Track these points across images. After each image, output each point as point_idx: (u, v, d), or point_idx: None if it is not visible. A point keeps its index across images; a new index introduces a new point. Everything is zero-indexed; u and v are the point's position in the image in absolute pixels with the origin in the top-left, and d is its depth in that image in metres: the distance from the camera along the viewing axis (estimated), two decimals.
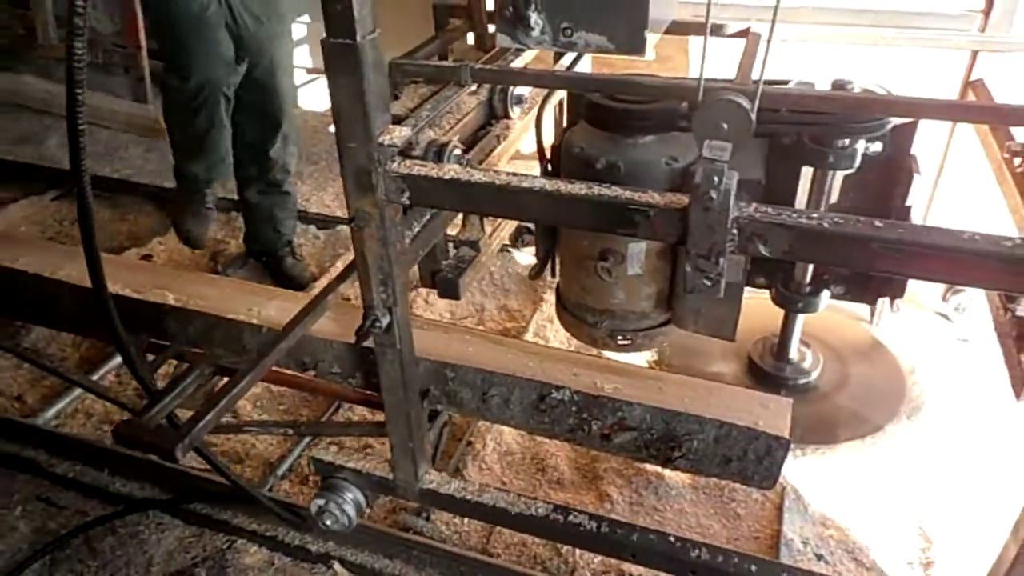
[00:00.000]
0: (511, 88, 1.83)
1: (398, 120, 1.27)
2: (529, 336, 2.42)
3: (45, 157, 3.89)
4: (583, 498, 1.92)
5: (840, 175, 1.65)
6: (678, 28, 1.63)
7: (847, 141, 1.55)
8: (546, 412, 1.63)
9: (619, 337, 1.72)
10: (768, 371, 2.04)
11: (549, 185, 1.13)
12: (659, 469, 1.93)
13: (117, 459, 1.97)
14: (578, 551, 1.78)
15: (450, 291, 1.73)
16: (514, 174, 1.18)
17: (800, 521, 1.84)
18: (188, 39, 2.34)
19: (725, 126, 0.99)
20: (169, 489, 1.93)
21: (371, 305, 1.36)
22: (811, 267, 1.81)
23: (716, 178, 1.00)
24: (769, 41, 1.06)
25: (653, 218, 1.07)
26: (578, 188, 1.11)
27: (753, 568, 1.53)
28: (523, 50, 1.42)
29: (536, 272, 1.84)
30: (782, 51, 1.87)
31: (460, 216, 1.80)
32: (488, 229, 1.86)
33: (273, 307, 1.76)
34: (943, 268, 0.97)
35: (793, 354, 2.04)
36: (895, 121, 1.57)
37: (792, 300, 1.83)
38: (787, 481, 1.91)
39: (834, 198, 1.70)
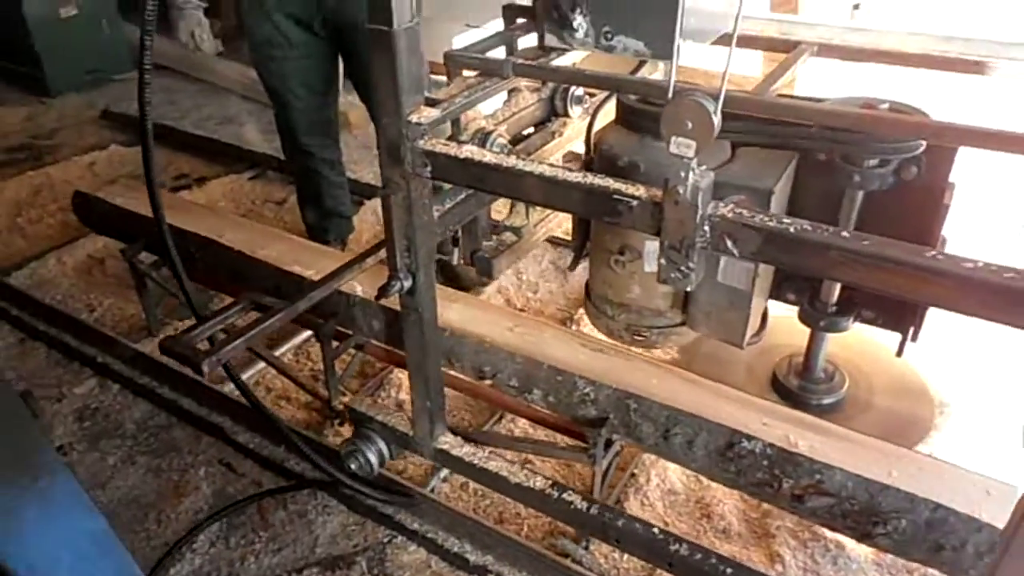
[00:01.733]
0: (572, 88, 1.93)
1: (434, 103, 1.37)
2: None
3: (244, 139, 4.19)
4: (751, 554, 1.80)
5: (860, 195, 1.58)
6: (740, 41, 1.60)
7: (875, 161, 1.48)
8: (733, 461, 1.54)
9: (635, 332, 1.80)
10: (792, 389, 1.98)
11: (548, 171, 1.23)
12: (840, 537, 1.77)
13: (292, 438, 2.05)
14: None
15: (485, 270, 1.87)
16: (521, 159, 1.28)
17: None
18: None
19: (690, 124, 1.03)
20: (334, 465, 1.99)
21: (395, 268, 1.47)
22: (839, 287, 1.75)
23: (683, 173, 1.05)
24: (731, 48, 1.08)
25: (635, 209, 1.14)
26: (572, 176, 1.21)
27: (728, 571, 1.47)
28: (568, 50, 1.49)
29: (573, 264, 1.94)
30: (870, 73, 1.77)
31: (509, 203, 1.91)
32: (535, 218, 1.96)
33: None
34: (901, 283, 0.98)
35: (818, 374, 1.97)
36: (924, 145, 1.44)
37: (817, 318, 1.78)
38: None
39: (856, 218, 1.62)
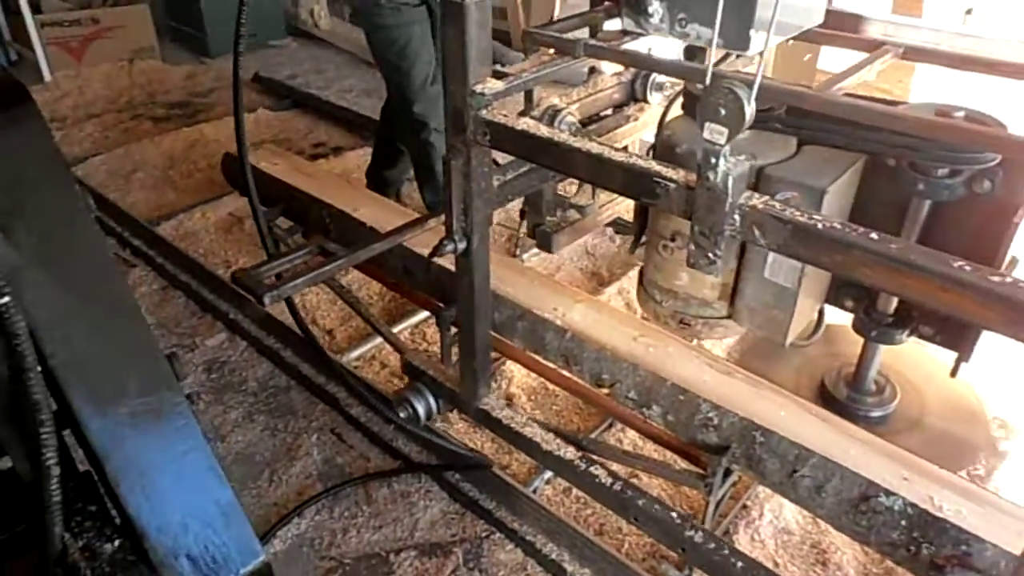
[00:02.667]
0: (653, 74, 1.92)
1: (501, 76, 1.44)
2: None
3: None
4: None
5: (927, 205, 1.49)
6: (818, 38, 1.67)
7: (944, 171, 1.40)
8: (866, 515, 1.42)
9: (681, 320, 1.79)
10: (840, 399, 1.89)
11: (595, 148, 1.25)
12: None
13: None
14: None
15: (545, 244, 1.92)
16: (572, 136, 1.34)
17: None
18: None
19: (723, 112, 1.03)
20: (440, 455, 2.00)
21: (451, 229, 1.53)
22: (896, 299, 1.65)
23: (713, 159, 1.07)
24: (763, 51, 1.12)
25: (671, 192, 1.16)
26: (617, 156, 1.23)
27: (739, 565, 1.47)
28: (644, 35, 1.52)
29: (632, 248, 1.93)
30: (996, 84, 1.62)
31: (577, 182, 1.94)
32: (601, 199, 1.99)
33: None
34: (922, 289, 0.98)
35: (868, 385, 1.87)
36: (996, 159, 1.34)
37: (871, 328, 1.69)
38: None
39: (921, 229, 1.53)
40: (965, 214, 1.49)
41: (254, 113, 4.19)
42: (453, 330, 2.09)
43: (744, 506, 1.88)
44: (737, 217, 1.10)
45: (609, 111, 1.93)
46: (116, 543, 0.90)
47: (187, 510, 0.92)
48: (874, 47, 1.61)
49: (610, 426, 2.12)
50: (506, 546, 1.81)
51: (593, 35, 1.69)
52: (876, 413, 1.88)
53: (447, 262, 2.09)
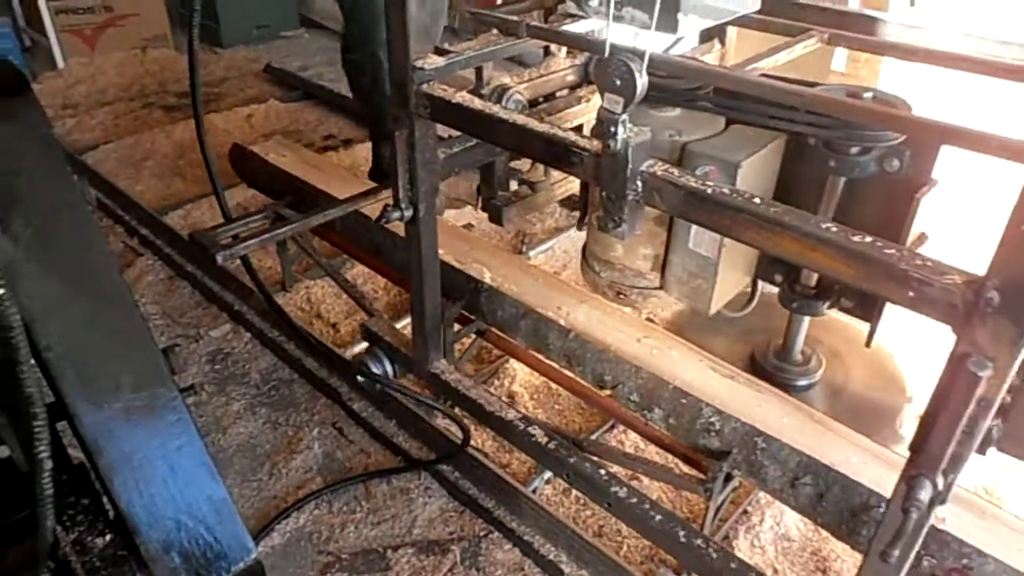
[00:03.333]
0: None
1: (443, 53, 1.52)
2: None
3: None
4: None
5: (841, 182, 1.58)
6: (755, 24, 1.74)
7: (856, 149, 1.49)
8: (867, 525, 1.40)
9: (617, 290, 1.88)
10: (767, 369, 1.98)
11: (519, 120, 1.36)
12: None
13: (403, 416, 2.07)
14: None
15: (495, 217, 1.95)
16: (503, 109, 1.46)
17: None
18: None
19: (618, 82, 1.12)
20: (438, 450, 1.99)
21: (398, 197, 1.62)
22: (817, 274, 1.73)
23: (612, 128, 1.16)
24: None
25: (585, 159, 1.25)
26: (539, 127, 1.33)
27: (657, 517, 1.55)
28: (585, 17, 1.59)
29: (579, 223, 2.03)
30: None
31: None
32: (554, 176, 2.02)
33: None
34: (795, 249, 1.07)
35: (795, 356, 1.97)
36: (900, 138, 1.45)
37: (794, 301, 1.79)
38: None
39: (836, 206, 1.61)
40: (876, 191, 1.56)
41: (264, 104, 4.18)
42: (457, 327, 2.09)
43: (745, 511, 1.87)
44: (639, 183, 1.20)
45: (566, 92, 1.98)
46: (107, 537, 0.90)
47: (180, 506, 0.91)
48: (799, 32, 1.69)
49: (612, 427, 2.11)
50: (504, 545, 1.80)
51: (546, 18, 1.77)
52: (802, 382, 1.97)
53: (451, 258, 2.10)
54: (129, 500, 0.88)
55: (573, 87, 1.99)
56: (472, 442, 1.93)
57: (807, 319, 1.87)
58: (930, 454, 1.02)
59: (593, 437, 2.02)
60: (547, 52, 1.98)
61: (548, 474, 1.96)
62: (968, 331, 0.93)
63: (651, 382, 1.67)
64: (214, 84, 4.58)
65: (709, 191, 1.13)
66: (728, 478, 1.61)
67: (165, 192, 3.38)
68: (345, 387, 2.21)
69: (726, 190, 1.13)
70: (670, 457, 1.80)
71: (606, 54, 1.15)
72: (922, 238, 1.58)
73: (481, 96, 1.63)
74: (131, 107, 4.28)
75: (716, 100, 1.59)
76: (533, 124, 1.34)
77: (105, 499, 0.96)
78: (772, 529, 1.84)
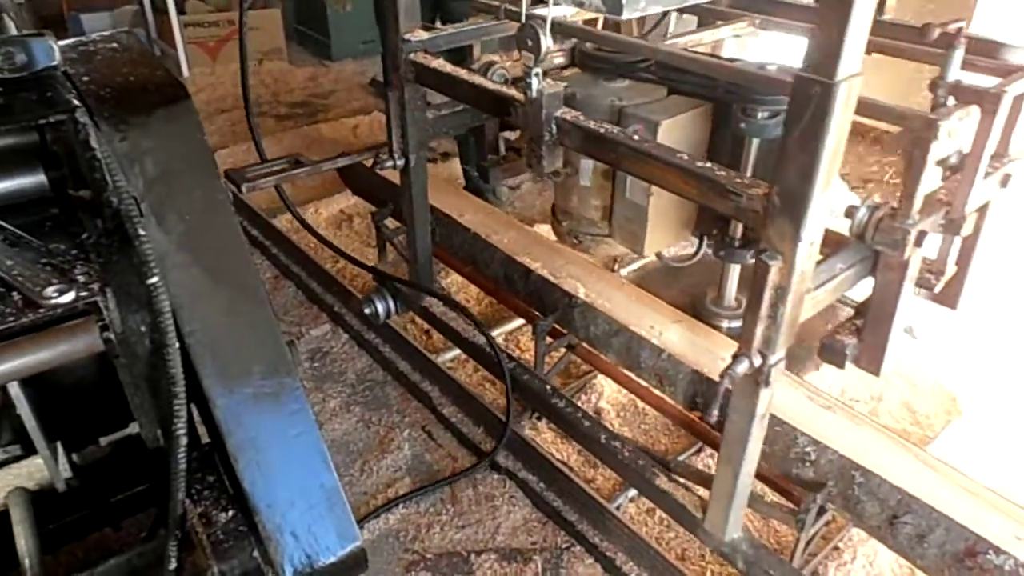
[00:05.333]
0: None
1: (428, 28, 1.89)
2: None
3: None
4: None
5: (755, 143, 1.74)
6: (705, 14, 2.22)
7: (763, 114, 1.67)
8: (972, 572, 1.34)
9: (575, 236, 2.13)
10: (703, 312, 2.15)
11: (476, 80, 1.70)
12: None
13: (489, 420, 2.11)
14: None
15: (484, 177, 2.37)
16: (469, 73, 1.77)
17: None
18: None
19: (530, 42, 1.40)
20: (526, 462, 2.02)
21: (392, 149, 2.00)
22: (741, 226, 1.89)
23: (528, 80, 1.46)
24: None
25: (519, 109, 1.54)
26: (489, 84, 1.68)
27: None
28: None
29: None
30: None
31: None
32: None
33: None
34: (657, 173, 1.38)
35: (729, 302, 2.15)
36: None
37: (722, 250, 1.95)
38: None
39: (754, 164, 1.78)
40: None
41: (369, 116, 4.35)
42: (548, 340, 2.12)
43: (836, 547, 1.81)
44: (553, 126, 1.50)
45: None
46: (230, 513, 0.96)
47: (295, 490, 0.98)
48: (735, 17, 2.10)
49: (699, 451, 2.09)
50: (586, 559, 1.81)
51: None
52: (735, 324, 2.10)
53: (546, 272, 2.13)
54: (252, 480, 0.94)
55: (564, 67, 2.17)
56: (557, 456, 1.95)
57: (736, 267, 2.07)
58: (746, 336, 1.28)
59: (680, 459, 2.00)
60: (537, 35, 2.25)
61: (632, 492, 1.96)
62: (765, 231, 1.20)
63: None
64: (323, 95, 4.80)
65: (601, 131, 1.44)
66: (821, 511, 1.57)
67: (274, 196, 3.54)
68: (436, 391, 2.27)
69: (614, 130, 1.44)
70: (759, 484, 1.77)
71: (523, 20, 1.45)
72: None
73: (471, 70, 1.88)
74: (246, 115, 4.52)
75: (654, 71, 1.86)
76: (484, 82, 1.68)
77: (227, 479, 1.03)
78: (864, 568, 1.78)
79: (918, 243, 1.38)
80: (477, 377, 2.41)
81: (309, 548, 0.97)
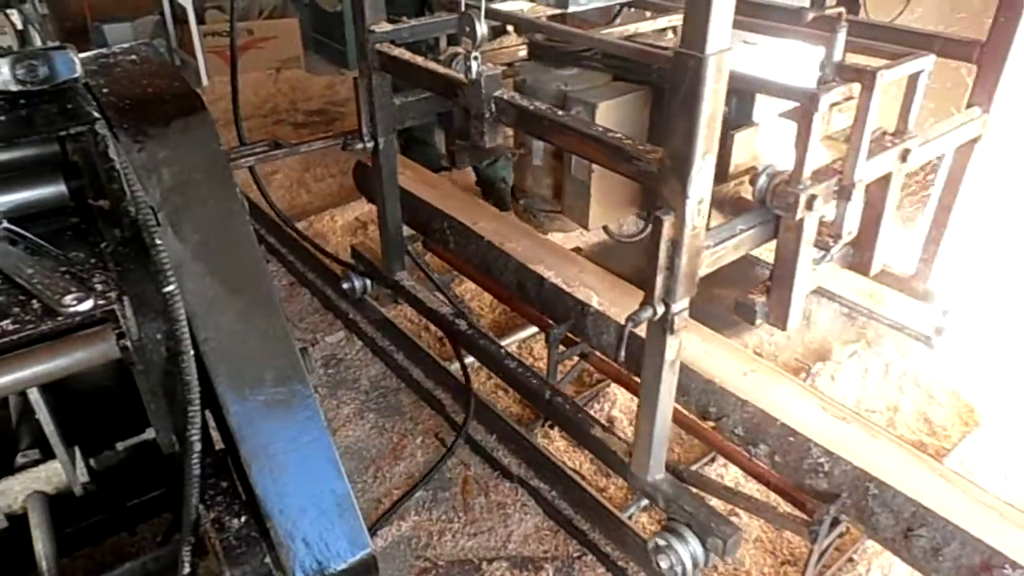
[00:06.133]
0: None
1: (394, 22, 2.10)
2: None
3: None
4: None
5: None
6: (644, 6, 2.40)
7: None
8: None
9: (531, 214, 2.27)
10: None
11: (430, 65, 1.91)
12: None
13: (504, 431, 2.11)
14: None
15: (451, 160, 2.40)
16: (425, 60, 1.97)
17: None
18: None
19: (467, 29, 1.57)
20: (538, 470, 2.02)
21: (362, 132, 2.20)
22: None
23: (467, 63, 1.65)
24: None
25: (463, 91, 1.73)
26: (439, 69, 1.88)
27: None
28: None
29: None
30: None
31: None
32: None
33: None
34: (573, 142, 1.60)
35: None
36: None
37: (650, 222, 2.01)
38: None
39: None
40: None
41: None
42: (561, 348, 2.12)
43: (850, 559, 1.80)
44: (493, 105, 1.69)
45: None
46: (242, 519, 0.97)
47: (307, 496, 0.98)
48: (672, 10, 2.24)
49: (712, 460, 2.08)
50: (597, 568, 1.80)
51: None
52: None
53: (560, 281, 2.14)
54: (264, 487, 0.95)
55: (527, 59, 2.32)
56: (569, 464, 1.94)
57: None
58: (649, 286, 1.42)
59: (693, 468, 1.99)
60: (504, 31, 2.47)
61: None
62: (660, 190, 1.35)
63: (757, 417, 1.64)
64: (340, 103, 4.83)
65: (531, 108, 1.63)
66: (835, 522, 1.56)
67: (291, 203, 3.59)
68: (450, 399, 2.28)
69: (543, 107, 1.63)
70: (771, 495, 1.76)
71: (461, 9, 1.60)
72: (751, 171, 1.75)
73: (438, 61, 2.03)
74: (264, 123, 4.57)
75: (598, 59, 2.00)
76: (435, 67, 1.87)
77: (240, 485, 1.04)
78: None
79: (808, 206, 1.54)
80: (490, 385, 2.41)
81: (320, 555, 0.98)
